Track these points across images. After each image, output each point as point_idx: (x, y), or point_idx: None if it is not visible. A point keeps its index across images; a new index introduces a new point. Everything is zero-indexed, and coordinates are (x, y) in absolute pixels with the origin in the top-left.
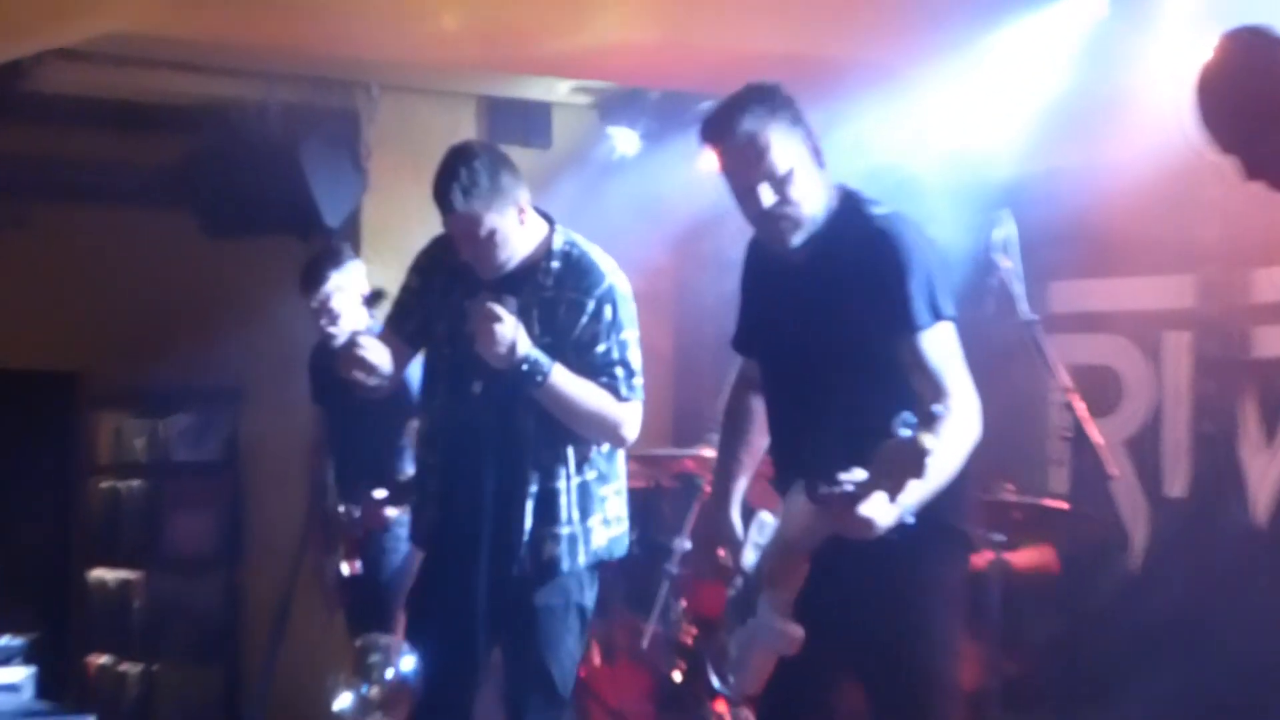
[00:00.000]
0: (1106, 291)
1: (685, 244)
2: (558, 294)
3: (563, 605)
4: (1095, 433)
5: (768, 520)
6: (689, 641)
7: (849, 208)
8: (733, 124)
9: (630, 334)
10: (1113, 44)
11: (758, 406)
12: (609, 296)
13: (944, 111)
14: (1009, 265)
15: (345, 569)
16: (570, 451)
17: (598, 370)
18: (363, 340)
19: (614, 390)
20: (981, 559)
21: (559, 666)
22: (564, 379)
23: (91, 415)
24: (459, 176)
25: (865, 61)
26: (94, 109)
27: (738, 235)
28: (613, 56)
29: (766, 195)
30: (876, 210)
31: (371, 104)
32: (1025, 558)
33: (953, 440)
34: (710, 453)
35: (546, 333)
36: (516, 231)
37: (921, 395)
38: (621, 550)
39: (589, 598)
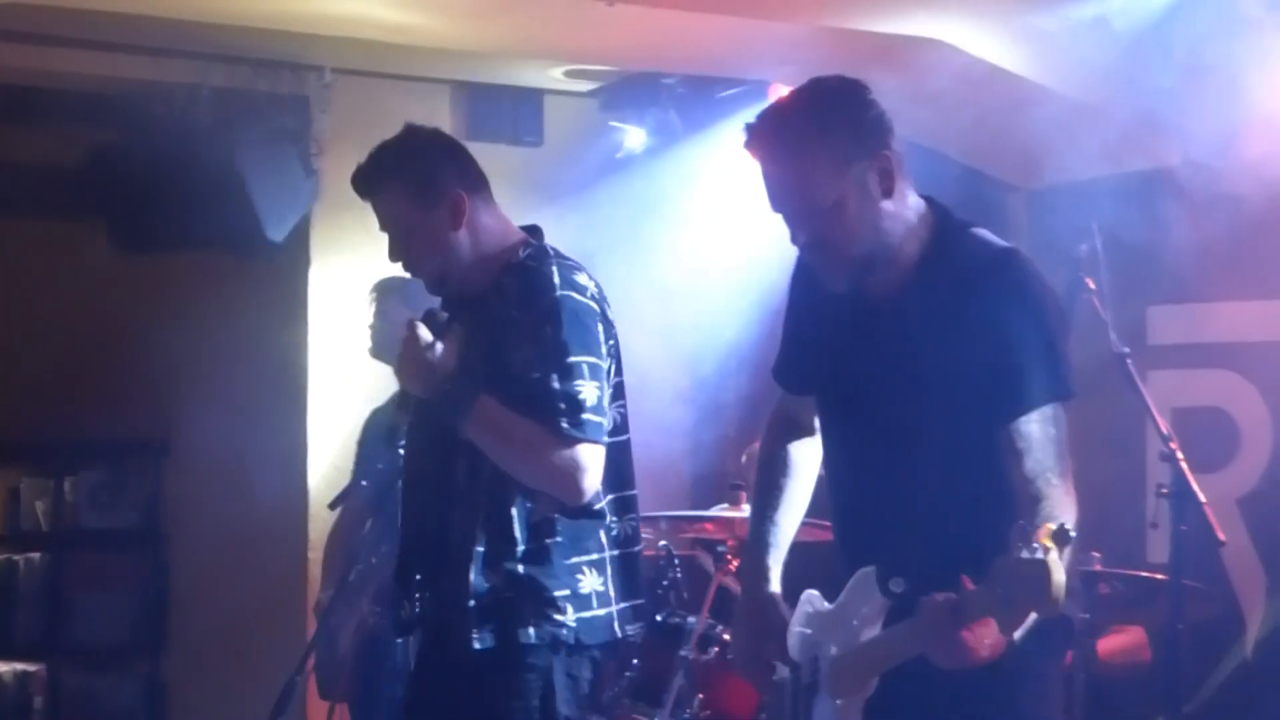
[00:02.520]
0: (1216, 318)
1: (704, 260)
2: (502, 314)
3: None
4: (1201, 490)
5: (816, 598)
6: None
7: (947, 233)
8: None
9: (581, 359)
10: (1226, 10)
11: (801, 455)
12: (552, 313)
13: (1008, 94)
14: (1095, 287)
15: None
16: (516, 506)
17: (534, 403)
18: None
19: (552, 427)
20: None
21: None
22: (490, 413)
23: None
24: (365, 160)
25: (912, 35)
26: None
27: (773, 249)
28: (617, 33)
29: None
30: (986, 243)
31: (324, 91)
32: (1114, 641)
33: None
34: (734, 513)
35: (487, 361)
36: (446, 233)
37: (1013, 477)
38: (598, 637)
39: (560, 682)
